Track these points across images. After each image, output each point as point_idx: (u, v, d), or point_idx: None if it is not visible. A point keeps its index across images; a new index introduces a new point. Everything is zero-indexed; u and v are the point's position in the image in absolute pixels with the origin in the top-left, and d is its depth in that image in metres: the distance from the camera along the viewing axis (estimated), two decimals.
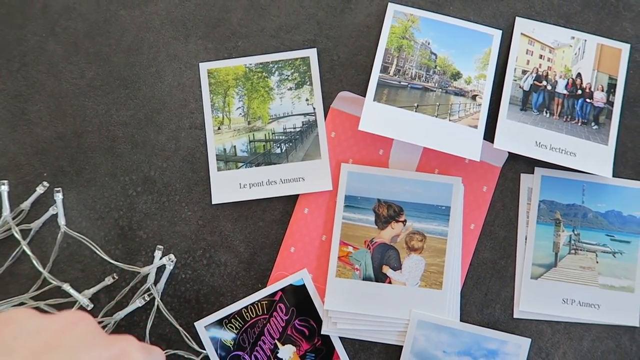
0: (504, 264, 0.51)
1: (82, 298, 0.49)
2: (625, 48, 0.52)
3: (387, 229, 0.50)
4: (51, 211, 0.50)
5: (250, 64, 0.53)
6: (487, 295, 0.50)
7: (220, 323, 0.49)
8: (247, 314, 0.50)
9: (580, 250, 0.50)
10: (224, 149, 0.52)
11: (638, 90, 0.52)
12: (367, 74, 0.51)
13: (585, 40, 0.52)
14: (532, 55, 0.52)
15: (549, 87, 0.51)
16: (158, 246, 0.50)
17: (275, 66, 0.53)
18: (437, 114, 0.49)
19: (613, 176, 0.50)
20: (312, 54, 0.52)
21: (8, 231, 0.50)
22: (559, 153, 0.49)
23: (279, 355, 0.49)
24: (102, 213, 0.51)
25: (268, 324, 0.50)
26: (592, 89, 0.51)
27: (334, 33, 0.53)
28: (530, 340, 0.49)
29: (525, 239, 0.51)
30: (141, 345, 0.30)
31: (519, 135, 0.49)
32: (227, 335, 0.49)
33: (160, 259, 0.50)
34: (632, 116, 0.52)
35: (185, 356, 0.49)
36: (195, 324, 0.49)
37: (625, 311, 0.50)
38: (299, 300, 0.50)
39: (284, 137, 0.52)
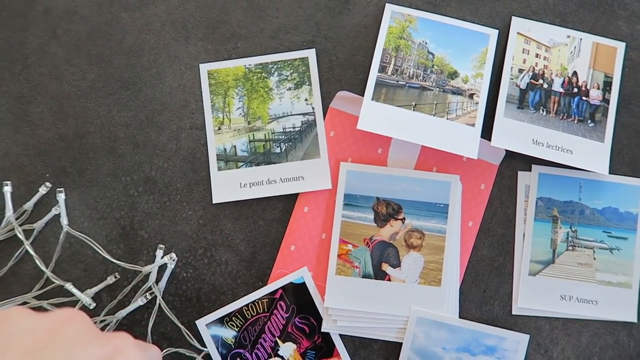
0: (502, 261, 0.51)
1: (85, 297, 0.49)
2: (620, 46, 0.52)
3: (386, 226, 0.50)
4: (54, 211, 0.51)
5: (250, 65, 0.53)
6: (485, 292, 0.51)
7: (221, 321, 0.50)
8: (248, 312, 0.50)
9: (578, 246, 0.51)
10: (224, 149, 0.52)
11: (633, 88, 0.53)
12: (366, 73, 0.52)
13: (581, 39, 0.53)
14: (528, 54, 0.52)
15: (545, 86, 0.52)
16: (159, 245, 0.51)
17: (275, 67, 0.53)
18: (435, 113, 0.50)
19: (609, 173, 0.50)
20: (310, 54, 0.53)
21: (11, 231, 0.50)
22: (555, 150, 0.50)
23: (279, 352, 0.50)
24: (104, 213, 0.52)
25: (269, 322, 0.50)
26: (588, 87, 0.52)
27: (333, 34, 0.54)
28: (528, 336, 0.49)
29: (523, 236, 0.51)
30: (136, 342, 0.30)
31: (516, 133, 0.50)
32: (228, 333, 0.50)
33: (162, 258, 0.51)
34: (628, 113, 0.52)
35: (187, 354, 0.50)
36: (196, 322, 0.50)
37: (623, 307, 0.50)
38: (299, 298, 0.50)
39: (283, 137, 0.52)
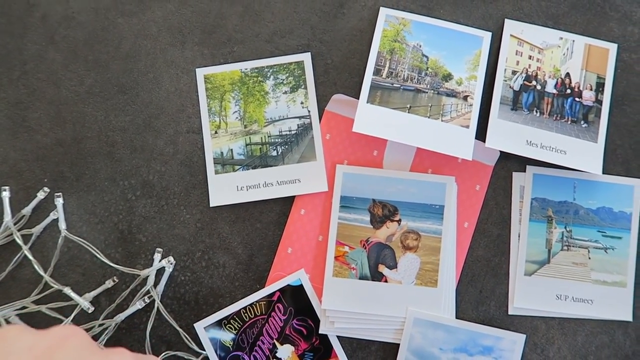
0: (498, 261, 0.52)
1: (83, 301, 0.49)
2: (612, 48, 0.53)
3: (383, 228, 0.51)
4: (52, 216, 0.51)
5: (246, 69, 0.54)
6: (481, 292, 0.51)
7: (219, 324, 0.50)
8: (246, 314, 0.50)
9: (573, 246, 0.51)
10: (221, 153, 0.53)
11: (626, 89, 0.53)
12: (361, 76, 0.52)
13: (573, 41, 0.53)
14: (521, 56, 0.53)
15: (538, 87, 0.52)
16: (157, 249, 0.51)
17: (271, 70, 0.54)
18: (430, 115, 0.50)
19: (603, 173, 0.51)
20: (306, 58, 0.54)
21: (10, 236, 0.51)
22: (549, 151, 0.50)
23: (277, 355, 0.50)
24: (102, 217, 0.52)
25: (266, 324, 0.50)
26: (581, 88, 0.52)
27: (328, 37, 0.54)
28: (525, 336, 0.50)
29: (519, 236, 0.51)
30: (134, 356, 0.30)
31: (510, 134, 0.50)
32: (226, 336, 0.50)
33: (160, 261, 0.51)
34: (621, 114, 0.53)
35: (185, 357, 0.50)
36: (194, 325, 0.50)
37: (618, 306, 0.50)
38: (296, 300, 0.50)
39: (279, 140, 0.53)
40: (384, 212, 0.51)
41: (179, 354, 0.50)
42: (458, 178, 0.51)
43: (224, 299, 0.51)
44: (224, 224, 0.52)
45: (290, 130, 0.53)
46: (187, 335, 0.50)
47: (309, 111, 0.53)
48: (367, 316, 0.49)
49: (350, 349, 0.50)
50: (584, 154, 0.50)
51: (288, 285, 0.51)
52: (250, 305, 0.50)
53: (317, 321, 0.50)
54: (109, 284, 0.51)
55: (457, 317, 0.50)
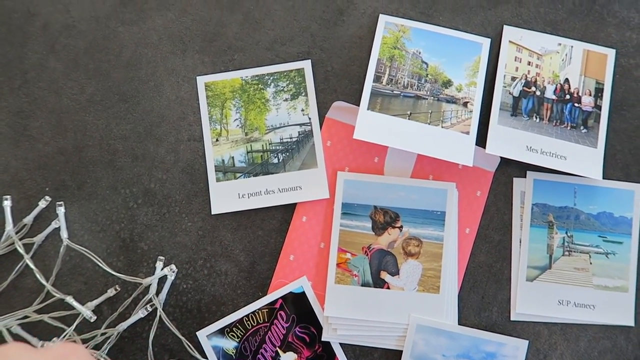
0: (500, 267, 0.52)
1: (85, 310, 0.49)
2: (610, 53, 0.53)
3: (384, 235, 0.51)
4: (53, 225, 0.51)
5: (247, 77, 0.54)
6: (484, 298, 0.51)
7: (222, 332, 0.50)
8: (248, 322, 0.50)
9: (574, 251, 0.51)
10: (223, 160, 0.53)
11: (624, 94, 0.53)
12: (361, 83, 0.52)
13: (572, 47, 0.53)
14: (520, 62, 0.53)
15: (537, 93, 0.52)
16: (159, 257, 0.51)
17: (271, 78, 0.54)
18: (430, 121, 0.51)
19: (603, 178, 0.51)
20: (306, 65, 0.54)
21: (11, 245, 0.51)
22: (549, 157, 0.50)
23: None
24: (103, 226, 0.52)
25: (269, 332, 0.50)
26: (580, 94, 0.52)
27: (328, 45, 0.54)
28: (527, 342, 0.50)
29: (520, 241, 0.52)
30: None
31: (510, 140, 0.51)
32: (229, 344, 0.50)
33: (162, 269, 0.51)
34: (620, 119, 0.53)
35: None
36: (197, 333, 0.50)
37: (620, 311, 0.50)
38: (299, 308, 0.50)
39: (280, 147, 0.53)
40: (385, 219, 0.51)
41: None
42: (459, 184, 0.52)
43: (226, 307, 0.51)
44: (226, 232, 0.52)
45: (291, 138, 0.53)
46: (189, 344, 0.50)
47: (309, 118, 0.53)
48: (369, 323, 0.49)
49: (353, 356, 0.50)
50: (584, 159, 0.50)
51: (290, 292, 0.51)
52: (253, 313, 0.50)
53: (319, 328, 0.50)
54: (111, 292, 0.51)
55: (459, 324, 0.50)
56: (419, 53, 0.53)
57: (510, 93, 0.52)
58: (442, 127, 0.50)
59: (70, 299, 0.49)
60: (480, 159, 0.52)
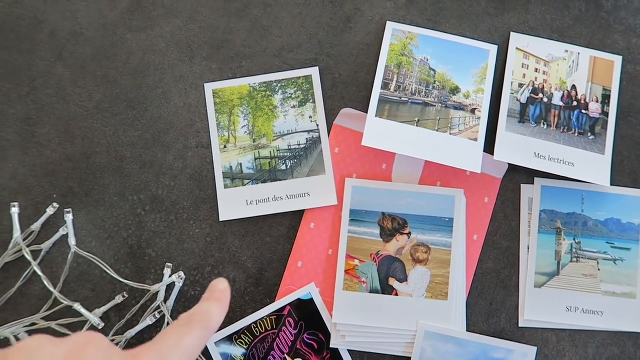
0: (508, 273, 0.52)
1: (93, 317, 0.49)
2: (617, 60, 0.54)
3: (392, 241, 0.51)
4: (61, 232, 0.51)
5: (255, 84, 0.54)
6: (492, 304, 0.51)
7: (230, 339, 0.50)
8: (257, 329, 0.50)
9: (582, 258, 0.51)
10: (231, 167, 0.53)
11: (632, 101, 0.54)
12: (369, 90, 0.53)
13: (579, 54, 0.54)
14: (527, 69, 0.53)
15: (545, 100, 0.53)
16: (167, 264, 0.51)
17: (279, 85, 0.54)
18: (438, 128, 0.51)
19: (611, 185, 0.51)
20: (314, 72, 0.54)
21: (19, 252, 0.51)
22: (557, 163, 0.50)
23: None
24: (111, 232, 0.52)
25: (277, 339, 0.50)
26: (587, 101, 0.53)
27: (335, 52, 0.54)
28: (536, 348, 0.50)
29: (528, 248, 0.52)
30: (160, 355, 0.30)
31: (518, 147, 0.51)
32: (237, 351, 0.50)
33: (170, 276, 0.51)
34: (627, 126, 0.53)
35: None
36: None
37: (628, 317, 0.50)
38: (307, 314, 0.50)
39: (288, 154, 0.53)
40: (393, 225, 0.51)
41: None
42: (467, 191, 0.52)
43: (234, 314, 0.51)
44: (234, 239, 0.52)
45: (299, 144, 0.53)
46: None
47: (317, 125, 0.53)
48: (378, 330, 0.49)
49: None
50: (591, 165, 0.51)
51: (298, 299, 0.51)
52: (261, 319, 0.50)
53: (328, 335, 0.50)
54: (118, 299, 0.51)
55: (467, 330, 0.50)
56: (427, 60, 0.53)
57: (517, 100, 0.52)
58: (450, 134, 0.50)
59: (77, 306, 0.49)
60: (488, 166, 0.52)
